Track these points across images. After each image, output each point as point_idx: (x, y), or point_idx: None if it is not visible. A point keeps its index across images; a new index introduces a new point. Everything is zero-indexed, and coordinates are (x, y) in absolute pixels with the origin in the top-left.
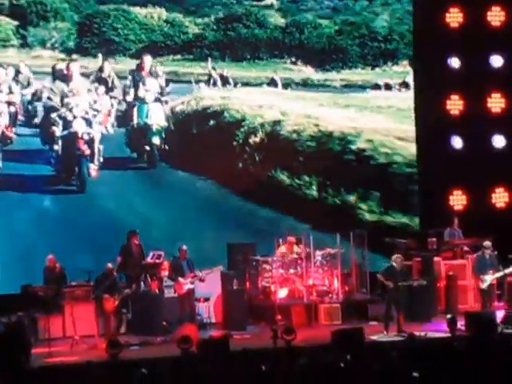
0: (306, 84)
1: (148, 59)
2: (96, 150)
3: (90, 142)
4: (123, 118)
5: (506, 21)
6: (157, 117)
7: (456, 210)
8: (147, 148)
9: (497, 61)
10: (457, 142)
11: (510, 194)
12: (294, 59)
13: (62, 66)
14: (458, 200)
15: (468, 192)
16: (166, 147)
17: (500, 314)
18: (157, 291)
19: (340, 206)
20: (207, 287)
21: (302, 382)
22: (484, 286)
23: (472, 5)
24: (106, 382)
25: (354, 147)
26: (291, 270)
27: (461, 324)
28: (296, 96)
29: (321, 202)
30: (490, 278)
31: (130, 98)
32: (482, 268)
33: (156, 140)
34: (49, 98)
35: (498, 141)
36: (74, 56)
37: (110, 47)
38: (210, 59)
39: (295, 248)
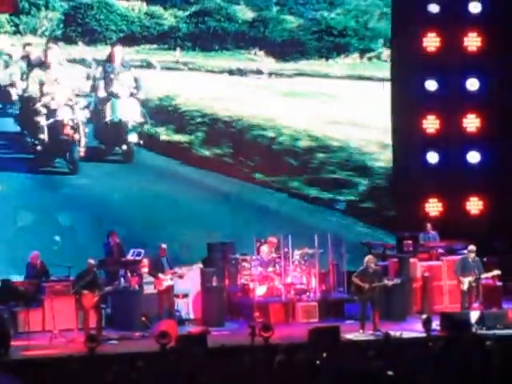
0: (263, 73)
1: (119, 49)
2: (82, 134)
3: (76, 127)
4: (93, 113)
5: (482, 46)
6: (132, 113)
7: (432, 216)
8: (124, 146)
9: (473, 84)
10: (432, 157)
11: (484, 202)
12: (257, 51)
13: (38, 53)
14: (433, 207)
15: (444, 200)
16: (141, 142)
17: (475, 315)
18: (136, 287)
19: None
20: (186, 284)
21: (279, 379)
22: (464, 287)
23: (449, 30)
24: (83, 376)
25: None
26: (270, 269)
27: (436, 324)
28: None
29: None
30: (468, 281)
31: (101, 92)
32: (463, 270)
33: (133, 137)
34: (28, 88)
35: (473, 157)
36: (61, 44)
37: (93, 36)
38: (178, 49)
39: (273, 249)
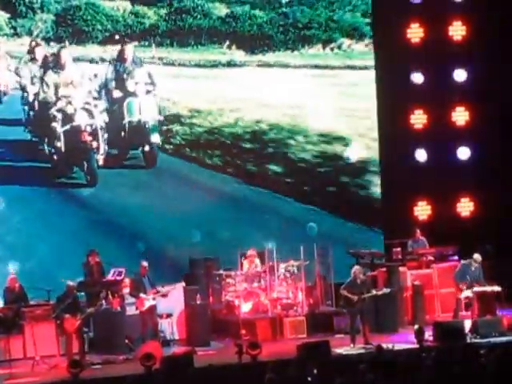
0: (235, 65)
1: (129, 47)
2: (101, 140)
3: (95, 133)
4: (112, 118)
5: (468, 35)
6: (150, 111)
7: (421, 220)
8: (146, 148)
9: (460, 75)
10: (421, 155)
11: (475, 203)
12: (228, 44)
13: (49, 54)
14: (422, 210)
15: (433, 202)
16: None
17: (468, 324)
18: (118, 309)
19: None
20: (170, 303)
21: None
22: (461, 295)
23: (433, 20)
24: None
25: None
26: (255, 284)
27: (428, 334)
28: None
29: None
30: (468, 292)
31: (116, 93)
32: (462, 277)
33: (155, 138)
34: (43, 92)
35: (463, 153)
36: (52, 44)
37: (81, 36)
38: (153, 45)
39: (256, 261)
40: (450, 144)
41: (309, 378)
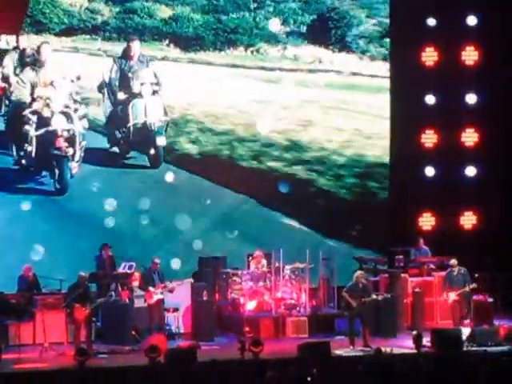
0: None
1: (136, 45)
2: (78, 147)
3: (71, 140)
4: (110, 118)
5: (480, 60)
6: (156, 113)
7: (424, 230)
8: (151, 151)
9: (471, 98)
10: (429, 171)
11: (478, 217)
12: (167, 43)
13: (33, 49)
14: (426, 221)
15: (437, 214)
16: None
17: (466, 332)
18: (127, 301)
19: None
20: (177, 298)
21: None
22: (449, 300)
23: (447, 44)
24: None
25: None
26: (260, 283)
27: (427, 341)
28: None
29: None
30: (453, 295)
31: (120, 94)
32: (450, 284)
33: (161, 140)
34: (18, 90)
35: (470, 171)
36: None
37: (39, 27)
38: (99, 39)
39: (263, 261)
40: (458, 163)
41: (308, 378)
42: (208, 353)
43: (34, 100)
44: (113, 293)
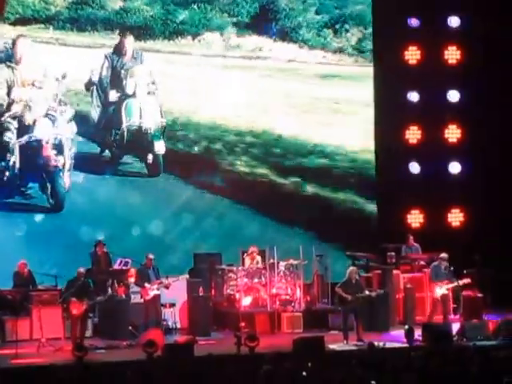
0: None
1: (130, 40)
2: (66, 155)
3: (59, 147)
4: (107, 122)
5: (461, 59)
6: (152, 115)
7: (413, 227)
8: (149, 158)
9: (453, 95)
10: (414, 168)
11: (465, 214)
12: (118, 32)
13: (6, 43)
14: (415, 218)
15: (425, 211)
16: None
17: (456, 327)
18: (123, 297)
19: None
20: (173, 294)
21: None
22: (437, 295)
23: (430, 44)
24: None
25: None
26: (256, 280)
27: (418, 335)
28: None
29: None
30: (443, 288)
31: (112, 94)
32: (436, 277)
33: (160, 146)
34: None
35: (454, 167)
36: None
37: None
38: (51, 28)
39: (257, 258)
40: (442, 159)
41: (303, 372)
42: (204, 347)
43: (12, 102)
44: (109, 289)
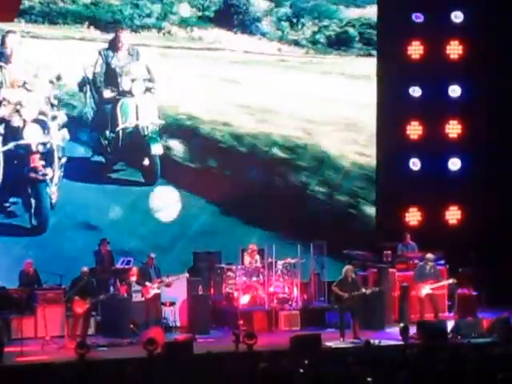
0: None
1: (125, 35)
2: (56, 166)
3: (49, 157)
4: (101, 123)
5: (464, 54)
6: (150, 114)
7: (411, 225)
8: (146, 162)
9: (455, 90)
10: (415, 164)
11: (463, 212)
12: (87, 25)
13: None
14: (413, 216)
15: (423, 209)
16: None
17: (450, 324)
18: (125, 295)
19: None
20: (173, 292)
21: None
22: (421, 294)
23: (432, 39)
24: (73, 381)
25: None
26: (254, 278)
27: (413, 333)
28: None
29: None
30: (427, 288)
31: (106, 92)
32: (420, 277)
33: (157, 149)
34: None
35: (454, 164)
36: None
37: None
38: (22, 21)
39: (256, 256)
40: (442, 155)
41: (300, 369)
42: (203, 345)
43: None
44: (111, 287)
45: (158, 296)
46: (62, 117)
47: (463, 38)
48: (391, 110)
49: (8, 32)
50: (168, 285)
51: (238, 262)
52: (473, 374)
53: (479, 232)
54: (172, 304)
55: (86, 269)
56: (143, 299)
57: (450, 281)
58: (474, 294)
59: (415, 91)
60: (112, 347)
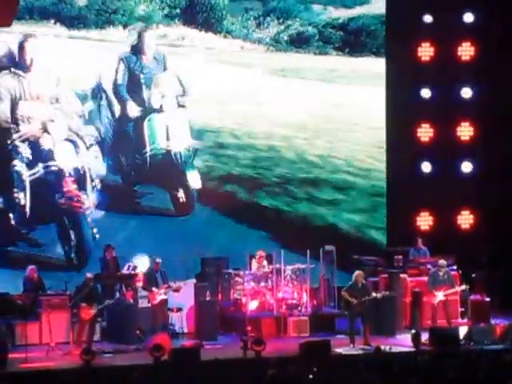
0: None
1: (150, 36)
2: (89, 190)
3: (82, 181)
4: (124, 143)
5: (475, 55)
6: (183, 135)
7: (422, 230)
8: (180, 194)
9: (466, 92)
10: (426, 167)
11: (475, 216)
12: (54, 21)
13: (11, 45)
14: (424, 221)
15: (435, 213)
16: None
17: (463, 331)
18: (131, 301)
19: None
20: (180, 298)
21: None
22: (435, 301)
23: (443, 40)
24: None
25: None
26: (262, 284)
27: (425, 339)
28: None
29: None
30: (440, 295)
31: (131, 107)
32: (434, 284)
33: (193, 177)
34: None
35: (466, 166)
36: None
37: None
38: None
39: (264, 262)
40: (453, 158)
41: (310, 376)
42: (211, 352)
43: (18, 121)
44: (117, 293)
45: (164, 302)
46: (95, 133)
47: (475, 39)
48: (402, 112)
49: (27, 36)
50: (177, 289)
51: (246, 268)
52: (484, 381)
53: (492, 236)
54: (179, 310)
55: (89, 275)
56: (149, 305)
57: (463, 287)
58: (487, 299)
59: (426, 93)
60: (118, 353)
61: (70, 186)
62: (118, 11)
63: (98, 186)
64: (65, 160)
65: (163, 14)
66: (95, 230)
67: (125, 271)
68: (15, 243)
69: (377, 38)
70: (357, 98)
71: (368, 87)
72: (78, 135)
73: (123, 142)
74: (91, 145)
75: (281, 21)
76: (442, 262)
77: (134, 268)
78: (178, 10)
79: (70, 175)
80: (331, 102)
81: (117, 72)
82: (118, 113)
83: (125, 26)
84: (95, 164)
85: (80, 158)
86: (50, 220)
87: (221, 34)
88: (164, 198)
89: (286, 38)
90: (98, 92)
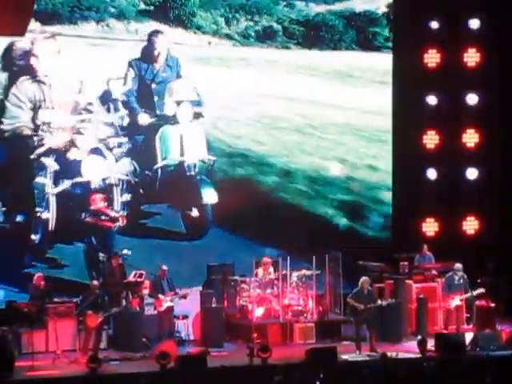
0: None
1: (161, 41)
2: (118, 207)
3: (109, 196)
4: (134, 155)
5: (481, 62)
6: (198, 147)
7: (428, 236)
8: (194, 213)
9: (472, 99)
10: (432, 174)
11: (480, 222)
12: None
13: (24, 44)
14: (430, 227)
15: (440, 219)
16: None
17: (469, 337)
18: (137, 308)
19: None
20: (186, 305)
21: None
22: (451, 306)
23: (449, 46)
24: None
25: None
26: (268, 290)
27: (431, 345)
28: None
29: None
30: (457, 299)
31: (142, 117)
32: (450, 289)
33: (210, 195)
34: (12, 117)
35: (471, 173)
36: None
37: None
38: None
39: (270, 269)
40: (459, 164)
41: (317, 382)
42: (217, 359)
43: (37, 129)
44: (124, 301)
45: (170, 309)
46: (125, 144)
47: (480, 46)
48: (407, 118)
49: (47, 36)
50: (184, 296)
51: (252, 275)
52: None
53: (497, 242)
54: (185, 317)
55: (95, 283)
56: (156, 312)
57: (480, 291)
58: (493, 305)
59: (432, 100)
60: (124, 361)
61: (97, 202)
62: (91, 8)
63: (126, 200)
64: (91, 174)
65: (136, 10)
66: (126, 251)
67: (131, 279)
68: (34, 264)
69: (377, 36)
70: (363, 103)
71: (374, 91)
72: (109, 145)
73: (132, 154)
74: (122, 155)
75: (249, 17)
76: (458, 265)
77: (141, 275)
78: (150, 7)
79: (99, 191)
80: (333, 104)
81: (126, 78)
82: (127, 121)
83: (98, 22)
84: (124, 176)
85: (109, 173)
86: (73, 238)
87: (190, 29)
88: (174, 218)
89: (252, 33)
90: (106, 95)
